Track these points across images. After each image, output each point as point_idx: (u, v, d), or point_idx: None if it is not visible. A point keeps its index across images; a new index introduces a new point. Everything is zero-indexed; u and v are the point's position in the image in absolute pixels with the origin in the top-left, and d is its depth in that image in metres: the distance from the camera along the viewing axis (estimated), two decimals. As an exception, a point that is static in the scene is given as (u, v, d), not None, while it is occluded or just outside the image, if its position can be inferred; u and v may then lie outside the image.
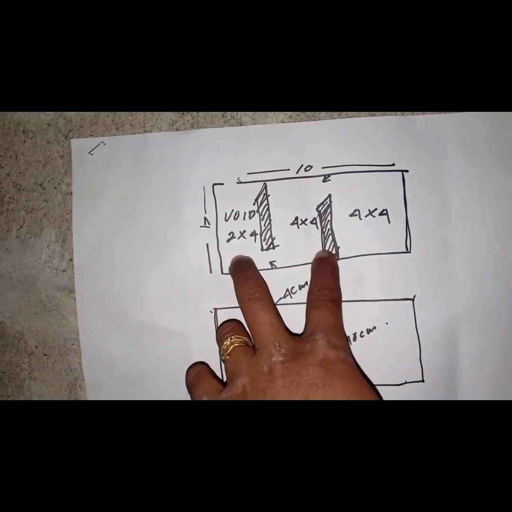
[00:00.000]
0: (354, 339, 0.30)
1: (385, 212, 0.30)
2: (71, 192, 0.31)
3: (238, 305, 0.29)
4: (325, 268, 0.29)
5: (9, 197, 0.32)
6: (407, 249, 0.30)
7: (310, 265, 0.30)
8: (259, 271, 0.30)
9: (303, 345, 0.24)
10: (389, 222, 0.30)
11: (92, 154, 0.31)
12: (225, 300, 0.31)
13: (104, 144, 0.31)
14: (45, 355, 0.32)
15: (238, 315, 0.30)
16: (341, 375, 0.22)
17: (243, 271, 0.29)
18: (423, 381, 0.31)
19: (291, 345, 0.24)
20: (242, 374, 0.24)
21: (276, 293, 0.30)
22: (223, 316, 0.31)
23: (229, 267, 0.30)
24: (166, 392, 0.31)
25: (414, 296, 0.30)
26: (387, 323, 0.30)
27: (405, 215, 0.30)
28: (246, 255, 0.31)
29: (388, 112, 0.31)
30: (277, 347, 0.24)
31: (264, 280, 0.29)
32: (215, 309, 0.31)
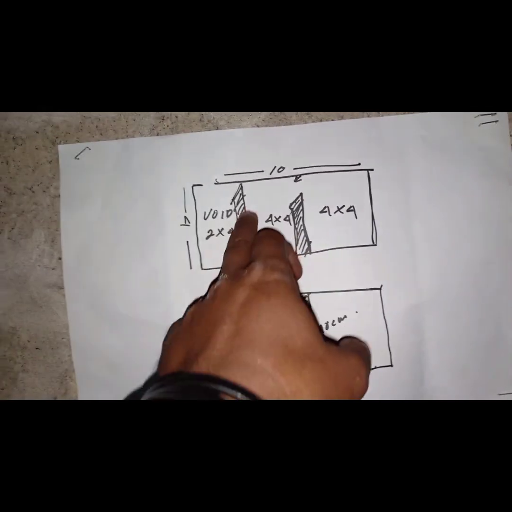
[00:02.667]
0: (326, 327, 0.33)
1: (352, 208, 0.33)
2: (59, 195, 0.33)
3: None
4: (245, 222, 0.32)
5: (1, 201, 0.34)
6: (373, 242, 0.33)
7: None
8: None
9: (242, 272, 0.25)
10: (356, 218, 0.33)
11: (78, 159, 0.33)
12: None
13: (89, 149, 0.33)
14: (37, 349, 0.34)
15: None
16: (267, 293, 0.23)
17: (235, 228, 0.32)
18: (391, 365, 0.33)
19: (233, 272, 0.25)
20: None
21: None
22: (203, 308, 0.33)
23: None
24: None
25: (381, 285, 0.33)
26: (356, 312, 0.33)
27: (371, 211, 0.33)
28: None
29: (355, 114, 0.33)
30: (222, 274, 0.26)
31: (252, 231, 0.31)
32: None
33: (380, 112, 0.33)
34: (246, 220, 0.32)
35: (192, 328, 0.24)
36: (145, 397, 0.21)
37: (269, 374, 0.20)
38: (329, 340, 0.27)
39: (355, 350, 0.25)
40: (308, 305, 0.24)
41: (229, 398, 0.19)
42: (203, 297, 0.27)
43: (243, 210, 0.33)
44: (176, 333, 0.26)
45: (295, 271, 0.30)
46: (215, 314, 0.23)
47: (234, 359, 0.21)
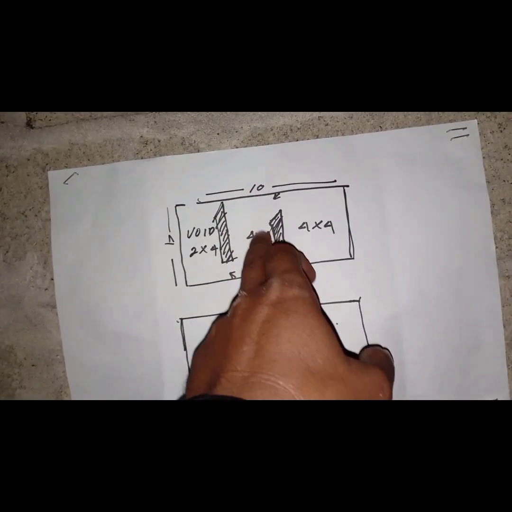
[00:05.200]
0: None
1: (329, 223, 0.34)
2: (50, 219, 0.35)
3: (202, 315, 0.34)
4: (259, 240, 0.33)
5: (-4, 226, 0.36)
6: (351, 255, 0.34)
7: None
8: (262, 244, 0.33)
9: (260, 289, 0.25)
10: (334, 233, 0.34)
11: (67, 184, 0.35)
12: (190, 310, 0.34)
13: (77, 174, 0.35)
14: (33, 365, 0.36)
15: (203, 324, 0.34)
16: (286, 311, 0.23)
17: (249, 246, 0.33)
18: (373, 374, 0.34)
19: (251, 290, 0.26)
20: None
21: (235, 301, 0.34)
22: (189, 326, 0.34)
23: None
24: (141, 394, 0.34)
25: (360, 297, 0.34)
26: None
27: (347, 225, 0.34)
28: (208, 266, 0.34)
29: (330, 133, 0.34)
30: (240, 292, 0.26)
31: (265, 247, 0.31)
32: (181, 319, 0.34)
33: (354, 130, 0.34)
34: (259, 238, 0.33)
35: (215, 345, 0.24)
36: None
37: (292, 396, 0.20)
38: (350, 353, 0.27)
39: (376, 363, 0.25)
40: (328, 319, 0.24)
41: None
42: (226, 313, 0.27)
43: (225, 227, 0.34)
44: (201, 349, 0.26)
45: (310, 276, 0.31)
46: (235, 333, 0.23)
47: (256, 381, 0.21)
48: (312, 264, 0.33)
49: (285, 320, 0.22)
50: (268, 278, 0.26)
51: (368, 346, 0.33)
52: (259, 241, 0.33)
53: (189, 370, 0.27)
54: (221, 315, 0.29)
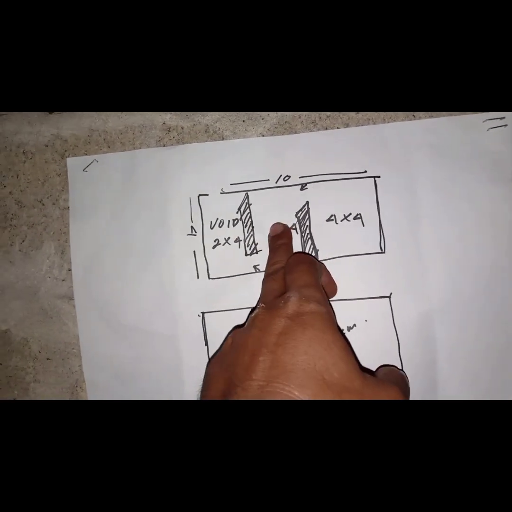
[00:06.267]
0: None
1: (359, 216, 0.32)
2: (68, 207, 0.34)
3: (224, 309, 0.33)
4: (280, 244, 0.31)
5: (12, 214, 0.35)
6: (381, 249, 0.32)
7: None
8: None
9: (279, 302, 0.25)
10: (363, 225, 0.32)
11: (86, 171, 0.34)
12: (212, 304, 0.33)
13: (97, 161, 0.34)
14: (48, 359, 0.35)
15: (224, 319, 0.33)
16: (303, 325, 0.23)
17: (272, 251, 0.32)
18: (403, 374, 0.32)
19: (270, 302, 0.26)
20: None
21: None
22: (210, 320, 0.33)
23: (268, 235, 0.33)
24: (158, 391, 0.33)
25: (391, 293, 0.32)
26: (366, 321, 0.32)
27: (378, 218, 0.32)
28: (231, 259, 0.33)
29: (360, 121, 0.33)
30: (260, 304, 0.26)
31: (288, 254, 0.30)
32: (203, 313, 0.33)
33: (386, 119, 0.33)
34: (282, 239, 0.32)
35: (231, 355, 0.25)
36: None
37: None
38: (366, 370, 0.27)
39: (392, 381, 0.25)
40: (343, 335, 0.24)
41: None
42: (243, 324, 0.27)
43: (249, 219, 0.33)
44: (217, 359, 0.26)
45: (330, 290, 0.31)
46: (253, 344, 0.23)
47: (272, 390, 0.21)
48: (341, 258, 0.32)
49: (302, 333, 0.23)
50: (286, 290, 0.26)
51: (385, 365, 0.32)
52: (281, 246, 0.31)
53: (203, 380, 0.27)
54: (237, 327, 0.29)
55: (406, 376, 0.29)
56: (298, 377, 0.21)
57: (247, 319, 0.27)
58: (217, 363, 0.26)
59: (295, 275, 0.27)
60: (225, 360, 0.25)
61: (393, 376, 0.28)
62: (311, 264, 0.28)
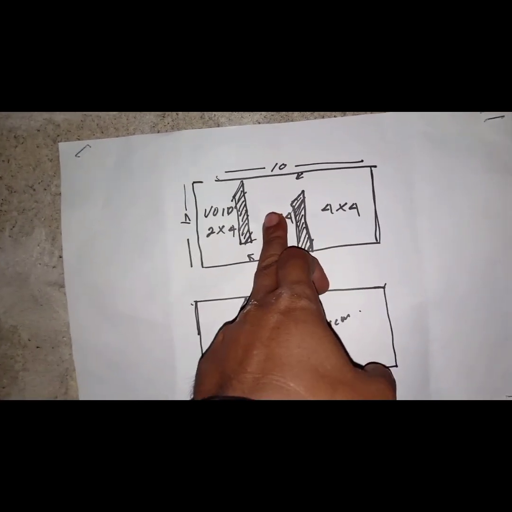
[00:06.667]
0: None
1: (355, 206, 0.32)
2: (60, 193, 0.33)
3: (217, 298, 0.32)
4: (275, 237, 0.31)
5: (2, 199, 0.34)
6: (377, 240, 0.32)
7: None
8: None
9: (271, 298, 0.25)
10: (359, 215, 0.32)
11: (79, 157, 0.33)
12: (205, 293, 0.32)
13: (90, 147, 0.33)
14: (37, 347, 0.34)
15: (218, 308, 0.32)
16: (295, 320, 0.23)
17: (266, 244, 0.31)
18: (396, 366, 0.32)
19: (262, 298, 0.26)
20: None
21: (253, 284, 0.32)
22: (203, 309, 0.32)
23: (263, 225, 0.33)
24: (151, 380, 0.33)
25: (385, 284, 0.32)
26: (360, 311, 0.32)
27: (374, 208, 0.32)
28: (225, 247, 0.33)
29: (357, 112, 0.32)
30: (251, 300, 0.27)
31: (282, 247, 0.30)
32: (196, 301, 0.33)
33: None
34: (277, 232, 0.31)
35: (223, 351, 0.25)
36: None
37: (302, 397, 0.21)
38: (356, 364, 0.28)
39: (380, 375, 0.25)
40: (333, 331, 0.25)
41: None
42: (233, 320, 0.27)
43: (244, 207, 0.33)
44: (209, 355, 0.27)
45: (322, 286, 0.31)
46: (246, 338, 0.24)
47: (267, 382, 0.21)
48: (336, 248, 0.32)
49: (295, 328, 0.23)
50: (278, 285, 0.26)
51: (371, 363, 0.32)
52: (275, 239, 0.31)
53: (195, 377, 0.27)
54: (228, 323, 0.29)
55: (391, 372, 0.30)
56: (293, 369, 0.22)
57: (238, 315, 0.27)
58: (209, 359, 0.26)
59: (287, 270, 0.27)
60: (217, 356, 0.25)
61: (380, 371, 0.28)
62: (303, 260, 0.28)
